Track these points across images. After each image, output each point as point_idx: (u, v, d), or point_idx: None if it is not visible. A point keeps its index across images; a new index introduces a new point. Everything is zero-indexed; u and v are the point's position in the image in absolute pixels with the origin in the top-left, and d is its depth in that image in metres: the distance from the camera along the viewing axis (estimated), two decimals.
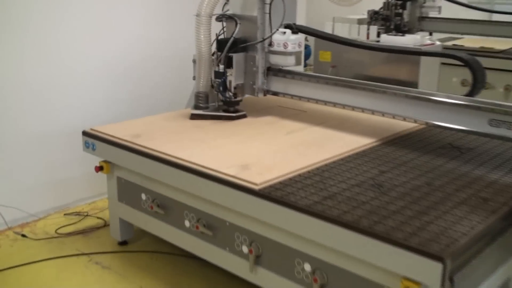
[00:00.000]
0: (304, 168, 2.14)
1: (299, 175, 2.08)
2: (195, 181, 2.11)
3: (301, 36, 2.60)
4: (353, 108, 2.53)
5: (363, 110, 2.50)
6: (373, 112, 2.47)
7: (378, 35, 3.87)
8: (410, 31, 4.35)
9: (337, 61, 3.94)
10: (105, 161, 2.58)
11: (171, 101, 3.44)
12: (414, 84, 3.60)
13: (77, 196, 3.19)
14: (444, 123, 2.28)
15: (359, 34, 3.93)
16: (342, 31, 3.95)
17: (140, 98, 3.41)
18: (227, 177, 2.04)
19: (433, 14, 4.50)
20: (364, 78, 3.87)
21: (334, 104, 2.59)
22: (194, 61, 2.85)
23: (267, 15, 2.59)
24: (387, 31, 3.99)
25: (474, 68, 2.21)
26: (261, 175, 2.04)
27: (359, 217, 1.75)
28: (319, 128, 2.63)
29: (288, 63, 2.60)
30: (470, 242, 1.64)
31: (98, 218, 3.02)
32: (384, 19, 4.19)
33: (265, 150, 2.32)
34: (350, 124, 2.67)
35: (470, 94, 2.30)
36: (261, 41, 2.60)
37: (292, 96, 2.70)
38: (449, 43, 4.59)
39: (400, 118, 2.42)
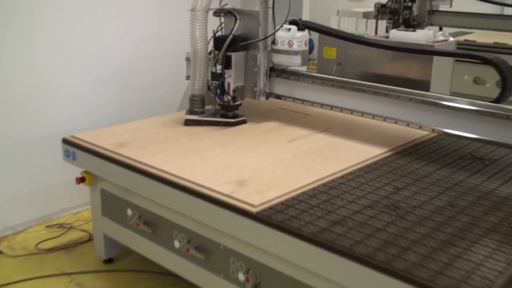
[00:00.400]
0: (308, 184, 1.88)
1: (303, 193, 1.83)
2: (185, 200, 1.85)
3: (307, 34, 2.34)
4: (363, 114, 2.28)
5: (373, 116, 2.25)
6: (385, 119, 2.22)
7: (387, 30, 3.62)
8: (419, 25, 4.11)
9: (342, 58, 3.69)
10: (87, 172, 2.33)
11: (164, 102, 3.18)
12: (426, 83, 3.36)
13: (61, 205, 2.93)
14: (468, 133, 2.03)
15: (367, 29, 3.67)
16: (348, 26, 3.70)
17: (130, 99, 3.15)
18: (221, 196, 1.78)
19: (443, 7, 4.26)
20: (372, 76, 3.64)
21: (341, 109, 2.33)
22: (187, 60, 2.59)
23: (270, 10, 2.32)
24: (395, 25, 3.72)
25: (504, 74, 1.95)
26: (259, 194, 1.79)
27: (374, 249, 1.49)
28: (324, 135, 2.37)
29: (293, 63, 2.34)
30: (507, 282, 1.39)
31: (82, 230, 2.77)
32: (392, 13, 3.96)
33: (265, 161, 2.07)
34: (358, 131, 2.41)
35: (497, 101, 2.05)
36: (263, 39, 2.33)
37: (296, 99, 2.44)
38: (460, 38, 4.33)
39: (416, 126, 2.16)
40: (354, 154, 2.15)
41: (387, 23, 3.65)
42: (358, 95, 2.26)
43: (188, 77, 2.72)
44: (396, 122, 2.20)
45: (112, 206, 2.31)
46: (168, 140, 2.28)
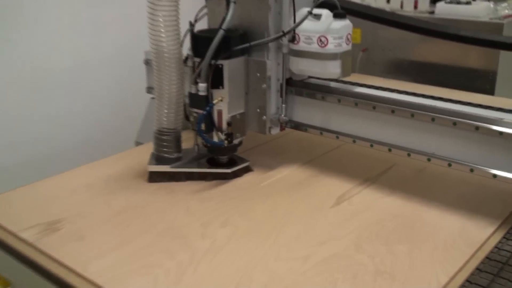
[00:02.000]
0: None
1: None
2: None
3: (350, 23, 1.39)
4: (450, 163, 1.35)
5: (473, 169, 1.32)
6: (495, 176, 1.29)
7: (433, 2, 2.73)
8: None
9: (369, 42, 2.78)
10: None
11: (118, 126, 2.23)
12: (490, 74, 2.48)
13: None
14: None
15: (403, 3, 2.76)
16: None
17: (67, 124, 2.19)
18: None
19: None
20: (411, 65, 2.73)
21: (409, 153, 1.40)
22: (146, 63, 1.67)
23: None
24: None
25: None
26: None
27: None
28: (385, 189, 1.45)
29: (329, 73, 1.39)
30: None
31: None
32: None
33: (309, 261, 1.13)
34: (435, 175, 1.50)
35: None
36: (279, 37, 1.38)
37: (330, 132, 1.50)
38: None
39: None
40: (455, 232, 1.24)
41: None
42: (440, 130, 1.34)
43: (149, 89, 1.79)
44: None
45: None
46: (128, 214, 1.33)
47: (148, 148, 1.56)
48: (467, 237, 1.22)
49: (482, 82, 2.49)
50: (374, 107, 1.41)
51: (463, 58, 2.56)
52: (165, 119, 1.42)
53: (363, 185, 1.48)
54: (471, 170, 1.32)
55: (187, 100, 1.43)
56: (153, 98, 1.85)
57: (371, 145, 1.44)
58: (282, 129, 1.49)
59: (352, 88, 1.45)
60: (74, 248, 1.20)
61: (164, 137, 1.43)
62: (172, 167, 1.44)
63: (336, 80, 1.51)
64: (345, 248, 1.19)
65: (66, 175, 1.57)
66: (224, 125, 1.40)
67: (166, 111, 1.41)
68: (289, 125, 1.52)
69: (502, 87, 2.49)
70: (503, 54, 2.45)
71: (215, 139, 1.41)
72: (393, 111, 1.38)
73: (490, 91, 2.44)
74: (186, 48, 1.42)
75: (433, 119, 1.35)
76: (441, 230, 1.27)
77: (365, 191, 1.45)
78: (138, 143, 1.86)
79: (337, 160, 1.62)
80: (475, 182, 1.42)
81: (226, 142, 1.40)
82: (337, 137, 1.48)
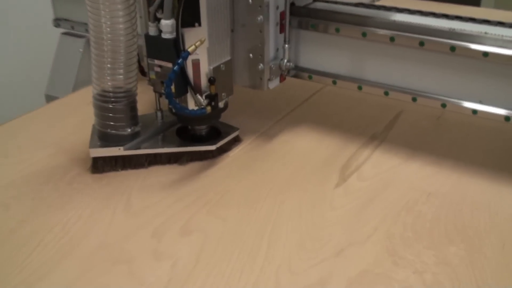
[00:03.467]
0: None
1: None
2: None
3: None
4: (509, 116, 1.00)
5: None
6: None
7: None
8: None
9: None
10: None
11: (20, 74, 1.64)
12: None
13: None
14: None
15: None
16: None
17: None
18: None
19: None
20: None
21: (443, 103, 1.03)
22: None
23: None
24: None
25: None
26: None
27: None
28: (396, 149, 1.08)
29: None
30: None
31: None
32: None
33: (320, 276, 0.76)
34: (457, 126, 1.17)
35: None
36: None
37: (362, 82, 1.07)
38: None
39: None
40: None
41: None
42: (493, 69, 0.97)
43: (57, 22, 1.25)
44: None
45: None
46: (37, 223, 0.84)
47: (66, 105, 1.07)
48: None
49: None
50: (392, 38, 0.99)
51: None
52: (108, 78, 0.90)
53: (371, 145, 1.09)
54: None
55: (142, 43, 0.91)
56: (64, 33, 1.30)
57: (386, 93, 1.05)
58: (282, 79, 1.04)
59: (388, 16, 1.01)
60: None
61: (111, 106, 0.92)
62: (126, 149, 0.95)
63: (357, 4, 1.06)
64: (376, 258, 0.79)
65: None
66: (204, 83, 0.92)
67: (109, 65, 0.89)
68: (292, 73, 1.06)
69: None
70: None
71: (191, 105, 0.93)
72: (421, 43, 0.98)
73: (475, 2, 2.12)
74: None
75: (485, 54, 0.96)
76: (498, 214, 0.91)
77: (375, 155, 1.06)
78: (49, 97, 1.33)
79: (325, 108, 1.22)
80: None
81: (208, 108, 0.92)
82: (333, 81, 1.05)
